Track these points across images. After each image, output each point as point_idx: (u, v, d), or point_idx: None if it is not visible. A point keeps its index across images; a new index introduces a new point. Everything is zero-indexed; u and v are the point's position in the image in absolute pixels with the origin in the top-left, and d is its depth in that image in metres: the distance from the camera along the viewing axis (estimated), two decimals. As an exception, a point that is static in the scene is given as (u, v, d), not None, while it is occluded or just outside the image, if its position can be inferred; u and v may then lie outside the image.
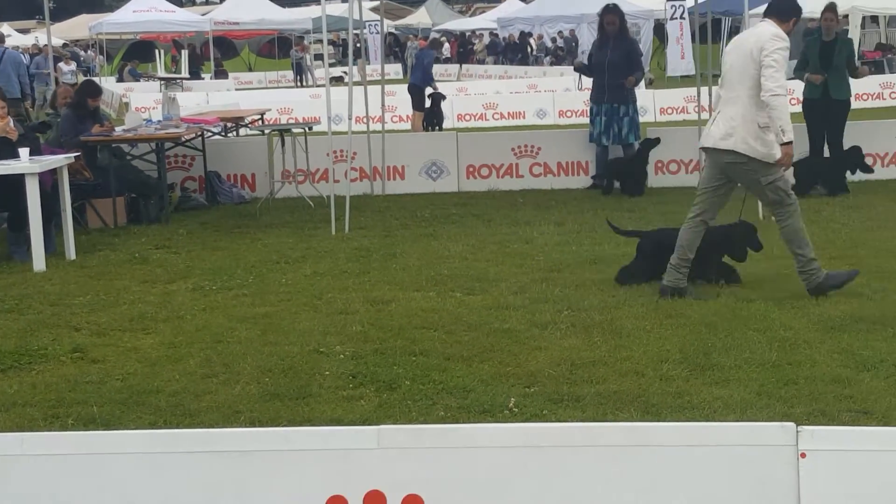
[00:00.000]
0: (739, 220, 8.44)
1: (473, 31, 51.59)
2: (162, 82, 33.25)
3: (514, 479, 3.29)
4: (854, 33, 31.21)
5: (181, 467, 3.30)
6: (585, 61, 14.54)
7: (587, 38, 34.66)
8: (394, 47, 52.14)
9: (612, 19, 13.37)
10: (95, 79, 25.96)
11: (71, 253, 10.02)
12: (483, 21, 52.10)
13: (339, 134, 12.78)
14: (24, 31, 50.58)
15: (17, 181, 9.62)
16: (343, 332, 7.30)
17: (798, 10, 8.01)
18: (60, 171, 10.16)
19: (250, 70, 49.11)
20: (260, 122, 15.51)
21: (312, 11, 41.65)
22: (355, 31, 17.49)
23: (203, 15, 42.25)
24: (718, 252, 8.36)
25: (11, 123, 10.23)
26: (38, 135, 11.42)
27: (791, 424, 3.10)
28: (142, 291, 8.73)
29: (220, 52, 45.46)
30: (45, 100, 19.73)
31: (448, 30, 52.54)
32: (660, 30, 34.73)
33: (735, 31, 36.98)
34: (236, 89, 34.05)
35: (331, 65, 38.13)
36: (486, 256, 9.69)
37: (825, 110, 12.77)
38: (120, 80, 38.29)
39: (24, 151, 9.68)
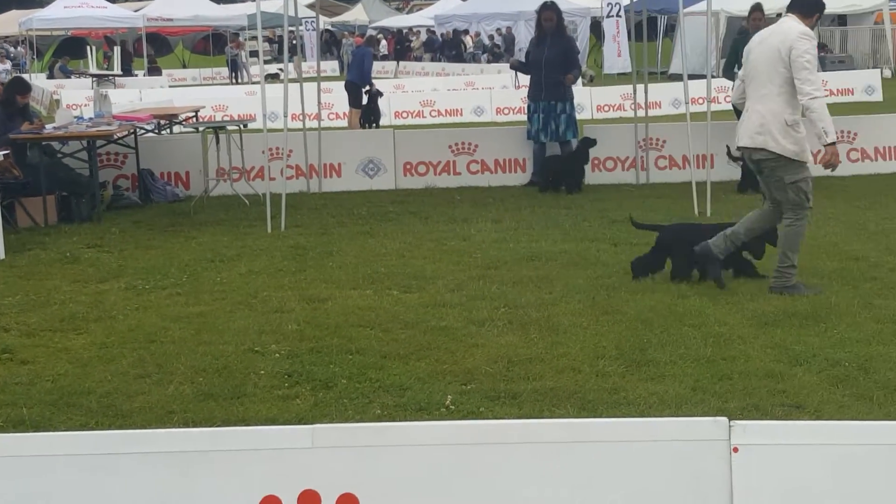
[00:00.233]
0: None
1: (411, 29, 51.58)
2: (94, 79, 32.79)
3: (450, 477, 3.27)
4: (787, 32, 31.65)
5: (112, 469, 3.24)
6: (523, 59, 14.57)
7: (525, 36, 34.85)
8: (330, 44, 51.93)
9: (549, 16, 13.41)
10: (25, 76, 25.56)
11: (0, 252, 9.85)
12: (420, 18, 52.08)
13: (275, 131, 12.65)
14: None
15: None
16: (278, 331, 7.24)
17: (821, 5, 8.06)
18: (-11, 169, 9.97)
19: (184, 67, 48.65)
20: (194, 119, 15.34)
21: (248, 8, 41.36)
22: (291, 28, 17.39)
23: (136, 11, 41.73)
24: (742, 249, 8.38)
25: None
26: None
27: (723, 419, 3.12)
28: (73, 291, 8.59)
29: (154, 49, 44.95)
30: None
31: (385, 27, 52.43)
32: (596, 27, 34.95)
33: (671, 28, 37.43)
34: (170, 86, 33.71)
35: (266, 62, 37.98)
36: (423, 254, 9.66)
37: None
38: (51, 76, 37.68)
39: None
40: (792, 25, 7.77)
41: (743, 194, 12.39)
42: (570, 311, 7.54)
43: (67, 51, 42.76)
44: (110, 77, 33.76)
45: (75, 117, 13.35)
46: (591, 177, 13.53)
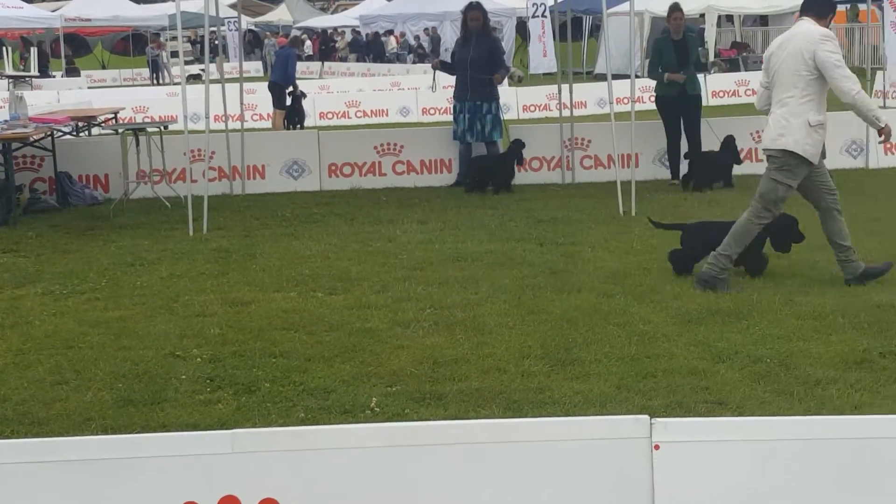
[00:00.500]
0: (781, 214, 8.40)
1: (336, 29, 51.39)
2: (9, 81, 32.14)
3: (373, 479, 3.25)
4: (710, 32, 32.09)
5: (28, 478, 3.17)
6: (449, 59, 14.55)
7: (450, 36, 34.90)
8: (253, 45, 51.55)
9: (475, 16, 13.41)
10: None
11: (-88, 258, 9.60)
12: (345, 18, 51.94)
13: (197, 133, 12.51)
14: None
15: None
16: (200, 335, 7.14)
17: (833, 5, 8.17)
18: None
19: (104, 68, 47.94)
20: (113, 121, 15.10)
21: (168, 8, 40.83)
22: (212, 28, 17.19)
23: (53, 11, 41.00)
24: (762, 244, 8.45)
25: None
26: None
27: (645, 417, 3.12)
28: (-12, 297, 8.39)
29: (72, 50, 44.21)
30: None
31: (309, 27, 52.20)
32: (522, 27, 35.12)
33: (596, 28, 37.73)
34: (89, 87, 33.16)
35: (188, 62, 37.61)
36: (348, 255, 9.60)
37: (681, 106, 13.10)
38: (-35, 78, 36.90)
39: None
40: (811, 28, 7.83)
41: (700, 192, 12.54)
42: (495, 312, 7.53)
43: (-19, 52, 41.86)
44: (26, 78, 33.13)
45: (-10, 119, 13.05)
46: (518, 177, 13.54)
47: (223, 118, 13.60)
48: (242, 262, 9.40)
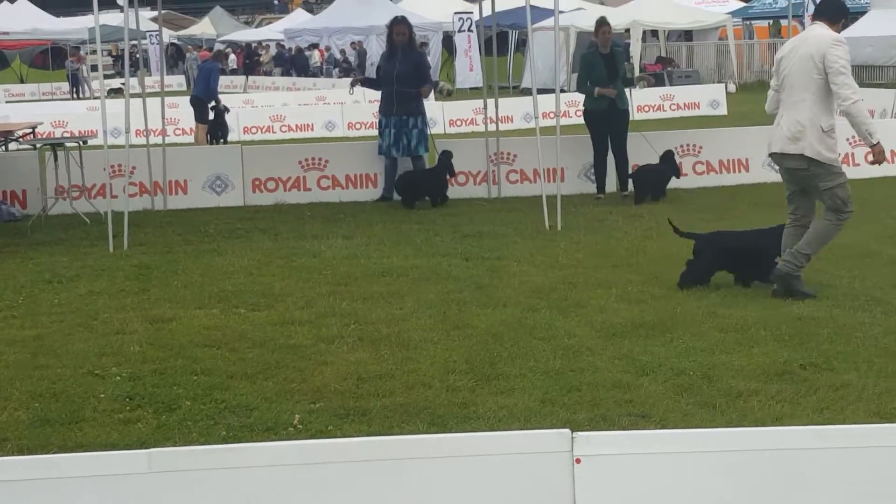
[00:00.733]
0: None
1: (260, 43, 51.13)
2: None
3: (294, 498, 3.21)
4: (635, 47, 32.48)
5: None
6: (374, 73, 14.51)
7: (376, 50, 34.88)
8: (176, 58, 51.07)
9: (401, 30, 13.38)
10: None
11: None
12: (270, 32, 51.72)
13: (117, 148, 12.32)
14: None
15: None
16: (120, 353, 7.01)
17: (846, 10, 8.25)
18: None
19: (22, 82, 47.11)
20: (31, 135, 14.81)
21: (88, 21, 40.27)
22: (133, 42, 16.99)
23: (-31, 25, 40.27)
24: (776, 252, 8.45)
25: None
26: None
27: (566, 431, 3.11)
28: None
29: (-11, 63, 43.47)
30: None
31: (234, 40, 51.88)
32: (448, 42, 35.22)
33: (522, 43, 37.98)
34: (6, 102, 32.60)
35: (108, 76, 37.14)
36: (272, 271, 9.50)
37: (610, 120, 13.21)
38: None
39: None
40: (823, 33, 7.91)
41: (638, 205, 12.68)
42: (420, 327, 7.49)
43: None
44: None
45: None
46: (443, 191, 13.53)
47: (144, 133, 13.40)
48: (164, 279, 9.26)
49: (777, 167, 8.46)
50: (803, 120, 7.85)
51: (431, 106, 14.40)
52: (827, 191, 7.91)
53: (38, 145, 13.03)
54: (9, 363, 6.84)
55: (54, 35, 42.16)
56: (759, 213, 11.72)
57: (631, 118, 13.91)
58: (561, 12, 32.55)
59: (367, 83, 14.49)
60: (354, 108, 24.89)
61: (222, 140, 19.32)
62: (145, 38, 35.38)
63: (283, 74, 43.04)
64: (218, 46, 40.11)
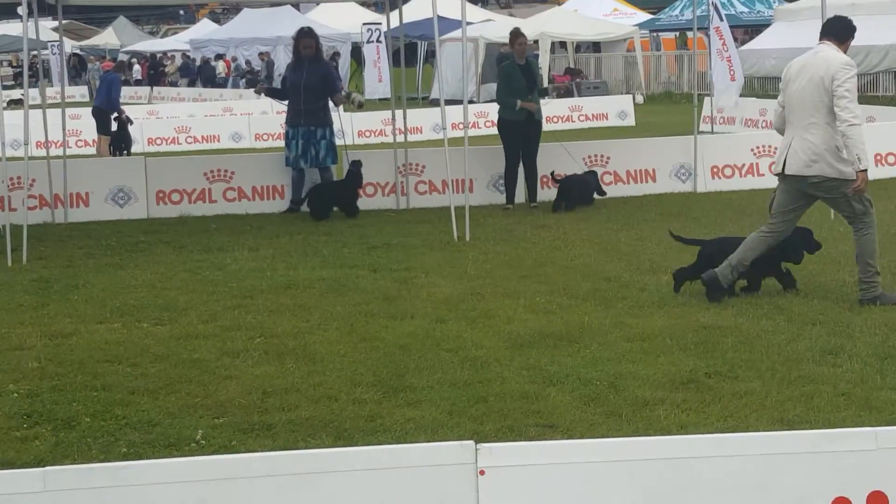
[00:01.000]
0: (795, 227, 8.49)
1: (165, 53, 50.50)
2: None
3: (194, 515, 3.11)
4: (544, 58, 32.73)
5: None
6: (280, 85, 14.39)
7: (284, 61, 34.67)
8: (79, 69, 50.19)
9: (308, 43, 13.29)
10: None
11: None
12: (175, 42, 51.14)
13: (16, 160, 12.04)
14: None
15: None
16: (17, 370, 6.83)
17: (853, 29, 8.28)
18: None
19: (-84, 93, 45.89)
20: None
21: (-13, 31, 39.52)
22: (33, 52, 16.62)
23: None
24: (782, 259, 8.50)
25: None
26: None
27: (470, 443, 3.08)
28: None
29: None
30: None
31: (138, 51, 51.17)
32: (357, 52, 35.14)
33: (432, 54, 38.10)
34: None
35: (8, 87, 36.30)
36: (176, 285, 9.34)
37: (526, 131, 13.28)
38: None
39: None
40: (833, 55, 7.96)
41: (556, 213, 12.77)
42: (327, 339, 7.42)
43: None
44: None
45: None
46: (351, 203, 13.46)
47: (45, 145, 13.10)
48: (64, 293, 9.05)
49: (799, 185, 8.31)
50: (818, 143, 7.92)
51: (340, 117, 14.26)
52: (855, 195, 7.97)
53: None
54: None
55: (-49, 45, 41.22)
56: (666, 223, 11.86)
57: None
58: (470, 24, 32.77)
59: (272, 93, 14.35)
60: (262, 120, 24.69)
61: (125, 152, 19.02)
62: (46, 49, 34.69)
63: (188, 85, 42.54)
64: (122, 57, 39.48)
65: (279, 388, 6.37)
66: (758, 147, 14.90)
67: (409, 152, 14.01)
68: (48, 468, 3.21)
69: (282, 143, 13.84)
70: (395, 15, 14.98)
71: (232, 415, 5.95)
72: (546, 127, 14.08)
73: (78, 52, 52.74)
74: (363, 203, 13.37)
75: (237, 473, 3.22)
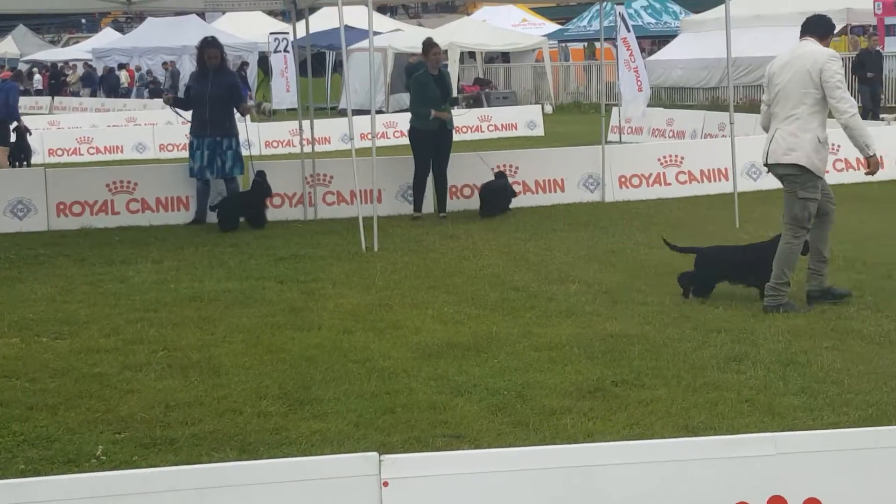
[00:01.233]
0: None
1: (67, 62, 49.56)
2: None
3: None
4: (453, 68, 32.82)
5: None
6: (183, 95, 14.20)
7: (189, 70, 34.28)
8: (-22, 79, 48.94)
9: (214, 54, 13.13)
10: None
11: None
12: (77, 52, 50.22)
13: (-90, 170, 11.69)
14: None
15: None
16: None
17: (833, 26, 8.54)
18: None
19: None
20: None
21: None
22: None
23: None
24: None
25: None
26: None
27: (374, 454, 3.04)
28: None
29: None
30: None
31: (39, 60, 50.15)
32: (264, 62, 34.88)
33: (341, 64, 37.96)
34: None
35: None
36: (76, 298, 9.13)
37: (438, 140, 13.29)
38: None
39: None
40: (817, 49, 8.09)
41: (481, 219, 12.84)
42: (232, 352, 7.31)
43: None
44: None
45: None
46: (257, 214, 13.31)
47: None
48: (-41, 308, 8.79)
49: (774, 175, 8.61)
50: (798, 132, 8.05)
51: (247, 127, 14.13)
52: (801, 200, 8.10)
53: None
54: None
55: None
56: (575, 233, 11.96)
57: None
58: (378, 33, 32.75)
59: (177, 103, 14.15)
60: (166, 130, 24.31)
61: (25, 162, 18.60)
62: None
63: (91, 95, 41.73)
64: (21, 66, 38.61)
65: (182, 401, 6.26)
66: (665, 157, 15.09)
67: (316, 163, 13.90)
68: (-65, 489, 3.08)
69: (187, 154, 13.63)
70: (302, 25, 14.87)
71: (134, 430, 5.83)
72: (455, 137, 14.10)
73: (-25, 61, 51.54)
74: (270, 214, 13.24)
75: (135, 489, 3.13)
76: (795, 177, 8.12)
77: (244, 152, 13.34)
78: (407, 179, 13.64)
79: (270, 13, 37.40)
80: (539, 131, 27.05)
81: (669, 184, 14.88)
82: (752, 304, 8.31)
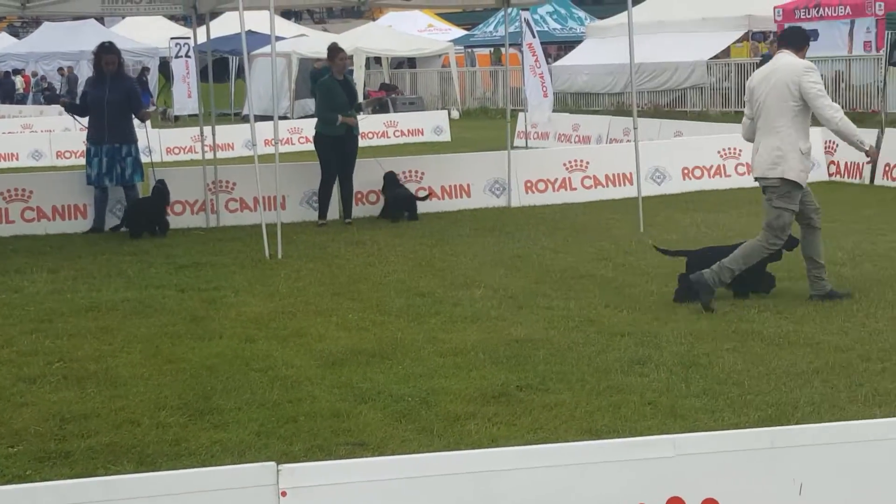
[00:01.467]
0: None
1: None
2: None
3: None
4: (359, 74, 32.70)
5: None
6: (80, 101, 13.92)
7: (88, 76, 33.67)
8: None
9: (111, 59, 12.89)
10: None
11: None
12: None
13: None
14: None
15: None
16: None
17: (808, 37, 8.70)
18: None
19: None
20: None
21: None
22: None
23: None
24: (768, 262, 8.53)
25: None
26: None
27: (271, 464, 2.98)
28: None
29: None
30: None
31: (-70, 66, 48.75)
32: (165, 67, 34.41)
33: (243, 70, 37.54)
34: None
35: None
36: (-33, 310, 8.86)
37: (344, 145, 13.22)
38: None
39: None
40: (793, 61, 8.25)
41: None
42: (130, 363, 7.16)
43: None
44: None
45: None
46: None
47: None
48: None
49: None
50: (783, 145, 8.16)
51: (148, 133, 13.90)
52: (778, 209, 8.23)
53: None
54: None
55: None
56: (481, 238, 11.96)
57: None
58: (282, 38, 32.47)
59: (73, 109, 13.86)
60: (64, 137, 23.75)
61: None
62: None
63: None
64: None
65: (78, 414, 6.10)
66: (570, 162, 15.19)
67: (219, 169, 13.71)
68: None
69: (84, 161, 13.34)
70: (203, 30, 14.67)
71: (28, 443, 5.68)
72: (361, 142, 14.03)
73: None
74: (172, 222, 13.01)
75: (25, 504, 3.02)
76: (776, 188, 8.29)
77: (144, 159, 13.11)
78: (312, 186, 13.52)
79: (171, 18, 36.88)
80: (446, 137, 27.08)
81: (575, 188, 14.98)
82: (656, 307, 8.38)
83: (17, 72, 41.55)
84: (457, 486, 2.96)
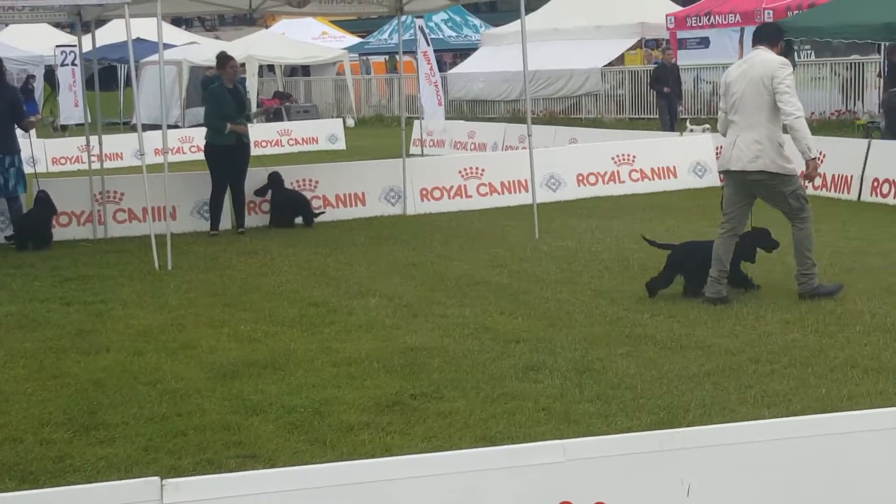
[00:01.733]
0: (752, 228, 8.80)
1: None
2: None
3: None
4: (252, 81, 32.36)
5: None
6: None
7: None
8: None
9: (-5, 68, 12.56)
10: None
11: None
12: None
13: None
14: None
15: None
16: None
17: (782, 32, 8.94)
18: None
19: None
20: None
21: None
22: None
23: None
24: (740, 259, 8.73)
25: None
26: None
27: (155, 479, 2.89)
28: None
29: None
30: None
31: None
32: (51, 75, 33.64)
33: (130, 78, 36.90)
34: None
35: None
36: None
37: (235, 154, 13.07)
38: None
39: None
40: (769, 56, 8.39)
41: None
42: (13, 378, 6.95)
43: None
44: None
45: None
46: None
47: None
48: None
49: (722, 183, 8.83)
50: (761, 139, 8.29)
51: (32, 143, 13.53)
52: (791, 193, 8.39)
53: None
54: None
55: None
56: (376, 246, 11.90)
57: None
58: (172, 46, 31.96)
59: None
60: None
61: None
62: None
63: None
64: None
65: (-43, 433, 5.88)
66: (466, 169, 15.22)
67: (106, 179, 13.42)
68: None
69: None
70: (89, 37, 14.35)
71: None
72: (254, 151, 13.87)
73: None
74: (57, 233, 12.71)
75: None
76: (769, 180, 8.42)
77: (28, 169, 12.77)
78: (203, 196, 13.31)
79: (57, 25, 36.07)
80: (341, 145, 26.94)
81: (471, 196, 15.02)
82: (550, 312, 8.41)
83: None
84: (348, 496, 2.90)
